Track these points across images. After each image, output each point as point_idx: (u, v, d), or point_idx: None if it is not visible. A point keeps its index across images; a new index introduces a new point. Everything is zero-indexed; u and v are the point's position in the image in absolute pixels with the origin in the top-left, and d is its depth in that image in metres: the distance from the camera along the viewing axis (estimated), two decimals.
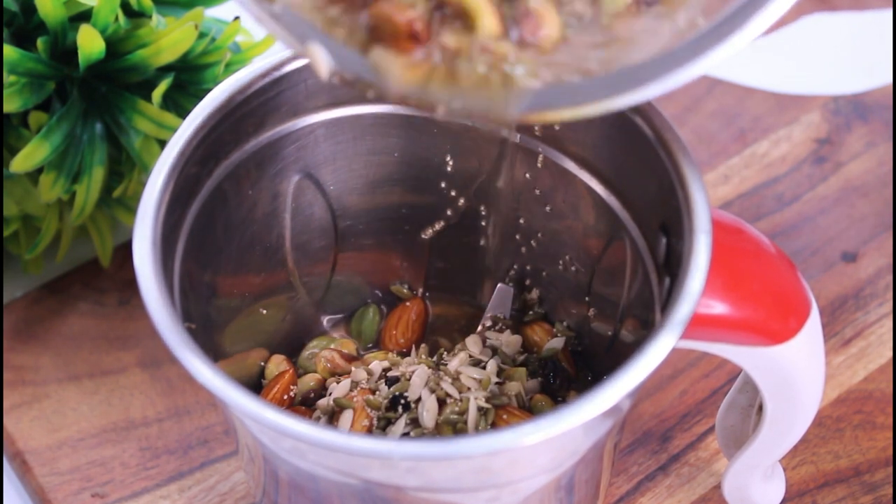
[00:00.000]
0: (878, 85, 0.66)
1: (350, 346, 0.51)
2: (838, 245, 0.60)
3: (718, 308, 0.39)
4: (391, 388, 0.47)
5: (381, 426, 0.47)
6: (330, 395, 0.48)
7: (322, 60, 0.36)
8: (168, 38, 0.50)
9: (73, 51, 0.50)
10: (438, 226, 0.51)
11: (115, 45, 0.51)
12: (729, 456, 0.48)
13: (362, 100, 0.46)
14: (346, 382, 0.48)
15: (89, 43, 0.49)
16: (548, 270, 0.51)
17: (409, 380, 0.47)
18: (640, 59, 0.36)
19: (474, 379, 0.47)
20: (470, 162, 0.48)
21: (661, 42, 0.36)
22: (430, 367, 0.48)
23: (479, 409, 0.46)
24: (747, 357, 0.41)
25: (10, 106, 0.50)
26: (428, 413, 0.46)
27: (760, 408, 0.45)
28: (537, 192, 0.48)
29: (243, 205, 0.46)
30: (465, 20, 0.35)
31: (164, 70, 0.52)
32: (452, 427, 0.46)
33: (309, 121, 0.46)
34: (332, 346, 0.51)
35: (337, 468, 0.38)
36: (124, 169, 0.54)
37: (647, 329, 0.43)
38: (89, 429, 0.53)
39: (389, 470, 0.38)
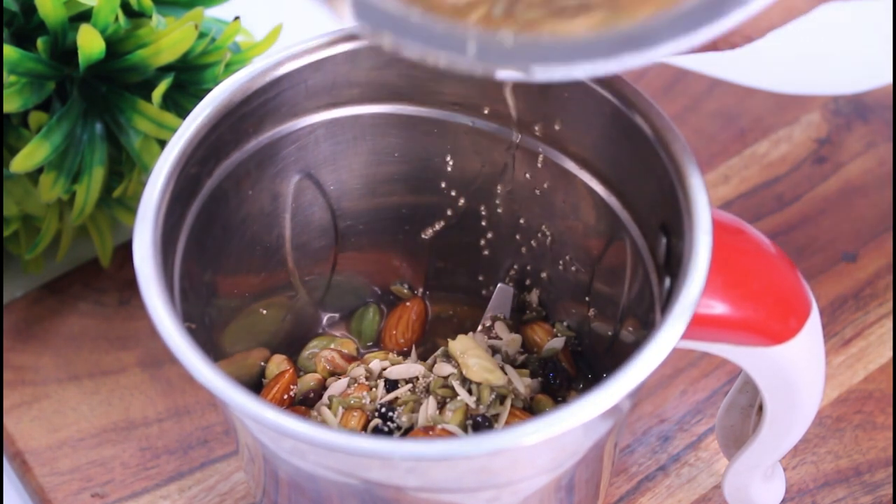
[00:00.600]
0: (879, 85, 0.66)
1: (350, 346, 0.51)
2: (838, 245, 0.59)
3: (719, 308, 0.39)
4: (386, 400, 0.47)
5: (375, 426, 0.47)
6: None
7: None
8: (168, 38, 0.50)
9: (73, 51, 0.50)
10: (438, 226, 0.51)
11: (115, 45, 0.51)
12: (729, 456, 0.48)
13: (362, 100, 0.46)
14: (343, 381, 0.48)
15: (89, 43, 0.49)
16: (548, 270, 0.51)
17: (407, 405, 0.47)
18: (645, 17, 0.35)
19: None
20: (470, 162, 0.48)
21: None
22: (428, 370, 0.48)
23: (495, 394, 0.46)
24: (747, 357, 0.41)
25: (10, 106, 0.50)
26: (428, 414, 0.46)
27: (760, 408, 0.45)
28: (537, 192, 0.48)
29: (243, 205, 0.46)
30: None
31: (164, 70, 0.52)
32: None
33: (309, 121, 0.46)
34: (333, 346, 0.51)
35: (337, 468, 0.38)
36: (124, 169, 0.54)
37: (647, 329, 0.43)
38: (89, 429, 0.53)
39: (389, 470, 0.38)
